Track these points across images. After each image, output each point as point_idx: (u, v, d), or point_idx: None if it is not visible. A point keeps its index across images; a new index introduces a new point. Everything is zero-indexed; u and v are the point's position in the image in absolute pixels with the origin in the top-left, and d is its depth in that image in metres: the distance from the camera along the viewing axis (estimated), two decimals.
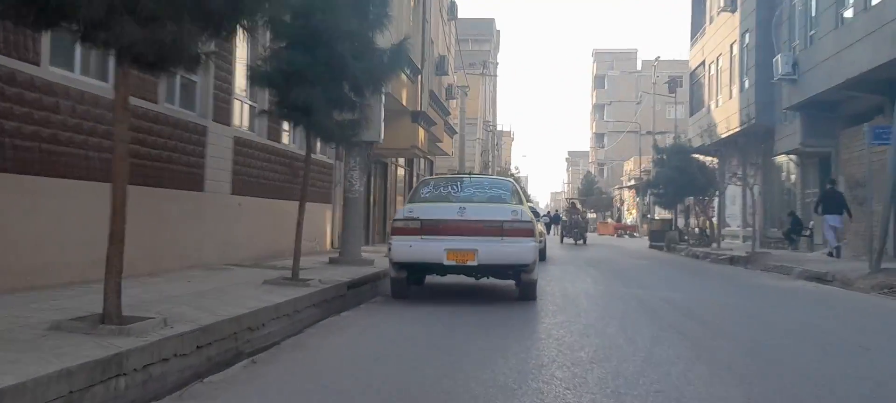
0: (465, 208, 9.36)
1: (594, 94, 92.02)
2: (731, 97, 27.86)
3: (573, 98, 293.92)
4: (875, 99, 17.43)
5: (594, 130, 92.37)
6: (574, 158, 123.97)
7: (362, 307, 9.54)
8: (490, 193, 10.22)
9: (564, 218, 35.98)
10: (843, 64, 17.46)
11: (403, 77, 20.03)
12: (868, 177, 13.89)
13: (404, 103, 20.42)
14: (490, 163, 54.85)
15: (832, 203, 18.57)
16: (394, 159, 24.98)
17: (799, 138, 21.31)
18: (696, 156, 29.46)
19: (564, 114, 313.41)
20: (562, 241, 34.25)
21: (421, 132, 22.49)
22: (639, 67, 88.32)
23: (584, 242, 33.46)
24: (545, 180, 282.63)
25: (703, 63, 32.37)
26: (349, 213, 13.45)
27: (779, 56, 21.01)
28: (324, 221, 17.25)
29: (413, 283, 11.27)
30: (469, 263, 9.14)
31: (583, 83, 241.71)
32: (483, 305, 9.50)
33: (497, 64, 56.04)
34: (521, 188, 11.62)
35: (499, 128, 76.61)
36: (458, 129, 36.62)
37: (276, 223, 13.60)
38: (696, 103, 33.84)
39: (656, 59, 47.18)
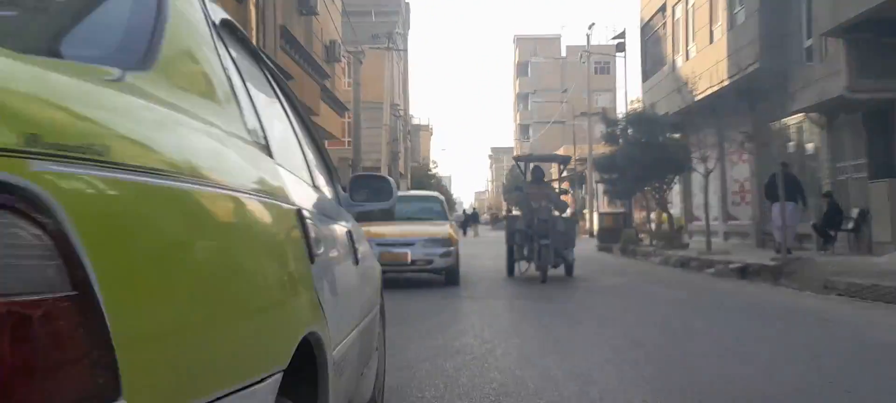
0: None
1: (517, 83, 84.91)
2: (712, 41, 20.38)
3: (495, 90, 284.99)
4: None
5: (518, 122, 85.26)
6: (498, 154, 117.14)
7: None
8: None
9: (514, 211, 16.14)
10: None
11: None
12: None
13: None
14: (401, 155, 46.69)
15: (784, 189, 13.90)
16: None
17: (844, 81, 13.79)
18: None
19: (487, 108, 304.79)
20: (511, 273, 13.60)
21: None
22: (563, 53, 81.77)
23: (570, 271, 13.44)
24: (469, 180, 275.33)
25: (662, 8, 24.90)
26: None
27: None
28: None
29: None
30: None
31: (505, 72, 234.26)
32: None
33: (405, 36, 47.90)
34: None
35: (416, 121, 68.67)
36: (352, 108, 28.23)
37: None
38: (652, 64, 26.40)
39: (590, 27, 39.73)
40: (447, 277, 12.10)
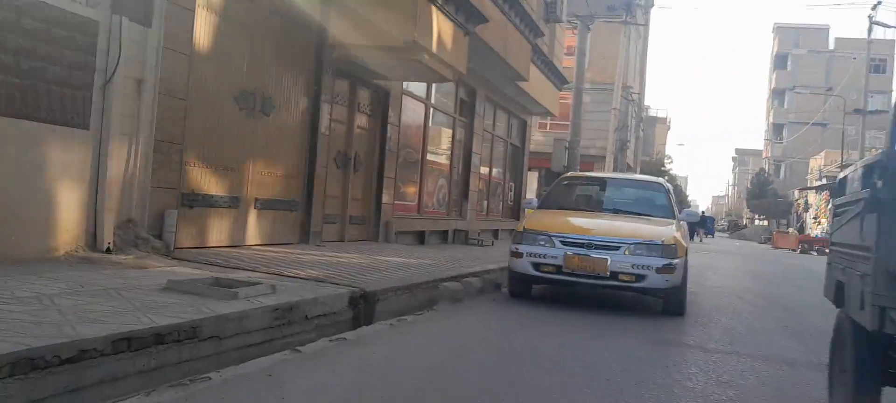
0: None
1: (773, 77, 75.87)
2: None
3: (746, 84, 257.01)
4: None
5: (771, 120, 76.25)
6: (743, 157, 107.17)
7: None
8: None
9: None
10: None
11: None
12: None
13: None
14: (631, 145, 41.97)
15: None
16: (399, 84, 13.33)
17: None
18: None
19: (734, 104, 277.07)
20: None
21: (435, 16, 10.80)
22: (831, 46, 71.78)
23: None
24: (707, 183, 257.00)
25: None
26: None
27: None
28: (63, 174, 6.23)
29: None
30: None
31: (759, 65, 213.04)
32: None
33: (646, 10, 42.80)
34: None
35: (652, 113, 63.11)
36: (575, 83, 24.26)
37: None
38: None
39: (875, 7, 32.55)
40: (665, 303, 8.14)
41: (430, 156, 15.00)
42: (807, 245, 38.94)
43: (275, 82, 9.54)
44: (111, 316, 4.36)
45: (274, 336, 5.38)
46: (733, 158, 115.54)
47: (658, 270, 7.72)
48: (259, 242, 9.36)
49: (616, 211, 9.11)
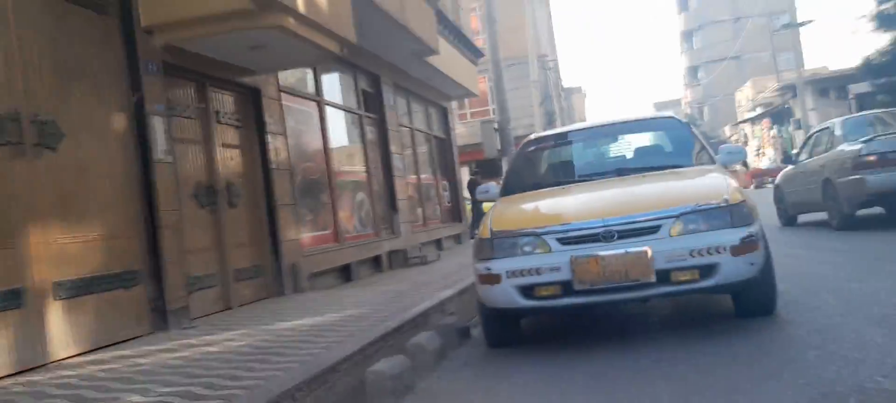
0: None
1: (681, 19, 74.35)
2: None
3: (655, 34, 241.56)
4: None
5: (686, 63, 74.77)
6: (662, 108, 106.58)
7: None
8: None
9: None
10: None
11: None
12: None
13: None
14: (557, 115, 39.27)
15: None
16: (270, 76, 9.82)
17: None
18: None
19: (647, 58, 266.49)
20: None
21: None
22: None
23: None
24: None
25: None
26: None
27: None
28: None
29: None
30: None
31: (666, 8, 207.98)
32: None
33: None
34: None
35: (566, 85, 60.78)
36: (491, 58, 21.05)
37: None
38: None
39: None
40: (741, 300, 4.93)
41: (337, 168, 11.54)
42: (761, 178, 36.63)
43: (56, 96, 5.97)
44: None
45: None
46: (654, 110, 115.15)
47: (734, 250, 4.47)
48: (77, 351, 5.78)
49: (621, 172, 5.83)
